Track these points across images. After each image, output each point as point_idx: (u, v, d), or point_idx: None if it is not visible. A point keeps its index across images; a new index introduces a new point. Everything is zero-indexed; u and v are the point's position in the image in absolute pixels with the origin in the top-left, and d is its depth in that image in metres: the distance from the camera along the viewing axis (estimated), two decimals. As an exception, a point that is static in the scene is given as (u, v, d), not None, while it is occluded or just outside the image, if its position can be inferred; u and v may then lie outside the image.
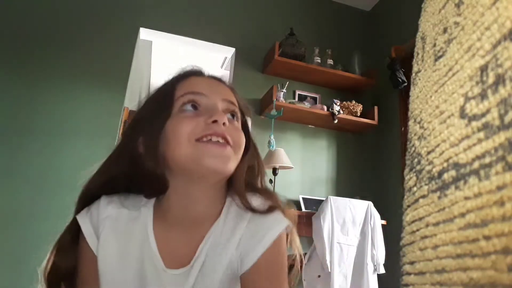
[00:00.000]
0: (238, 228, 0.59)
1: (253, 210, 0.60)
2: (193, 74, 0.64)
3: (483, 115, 0.20)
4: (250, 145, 0.65)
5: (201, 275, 0.58)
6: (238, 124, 0.61)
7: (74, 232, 0.62)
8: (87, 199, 0.64)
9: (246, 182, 0.64)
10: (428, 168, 0.26)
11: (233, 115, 0.61)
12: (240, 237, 0.58)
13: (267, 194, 0.65)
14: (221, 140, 0.55)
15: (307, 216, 2.22)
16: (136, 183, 0.63)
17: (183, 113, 0.57)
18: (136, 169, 0.60)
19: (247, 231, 0.59)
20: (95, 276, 0.59)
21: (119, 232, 0.60)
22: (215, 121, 0.55)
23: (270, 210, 0.60)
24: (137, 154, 0.60)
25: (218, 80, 0.65)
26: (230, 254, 0.58)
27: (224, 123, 0.55)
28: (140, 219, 0.61)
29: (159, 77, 4.65)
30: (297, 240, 0.63)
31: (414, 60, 0.33)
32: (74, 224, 0.62)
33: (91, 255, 0.60)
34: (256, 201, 0.62)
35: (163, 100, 0.60)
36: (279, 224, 0.59)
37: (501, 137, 0.18)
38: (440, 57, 0.27)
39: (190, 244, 0.60)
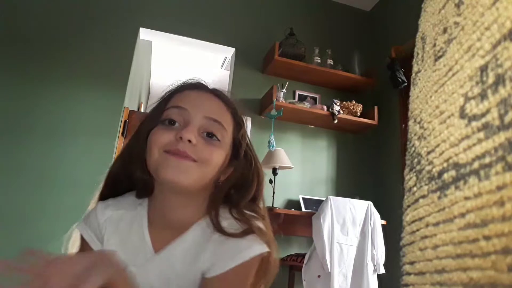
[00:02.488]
0: (205, 248, 0.61)
1: (221, 231, 0.61)
2: (189, 87, 0.66)
3: (483, 115, 0.20)
4: (240, 161, 0.66)
5: (164, 269, 0.61)
6: (215, 142, 0.62)
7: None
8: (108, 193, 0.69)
9: (234, 199, 0.65)
10: (428, 168, 0.26)
11: (210, 134, 0.61)
12: (209, 257, 0.60)
13: (251, 218, 0.64)
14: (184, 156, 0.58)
15: (307, 216, 2.22)
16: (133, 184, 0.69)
17: (162, 125, 0.62)
18: (132, 171, 0.66)
19: (216, 250, 0.60)
20: None
21: (121, 233, 0.65)
22: (180, 137, 0.58)
23: (242, 234, 0.60)
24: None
25: (214, 94, 0.66)
26: (196, 271, 0.60)
27: (190, 140, 0.58)
28: (137, 217, 0.66)
29: (159, 77, 4.64)
30: (271, 270, 0.63)
31: (414, 60, 0.33)
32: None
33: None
34: (232, 223, 0.62)
35: (156, 110, 0.66)
36: (255, 247, 0.59)
37: (501, 137, 0.18)
38: (440, 57, 0.27)
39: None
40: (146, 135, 0.63)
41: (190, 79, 0.69)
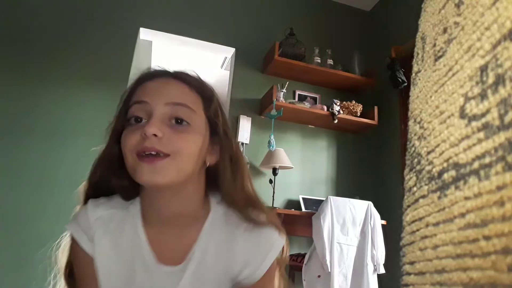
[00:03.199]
0: (237, 237, 0.63)
1: (249, 220, 0.63)
2: (147, 78, 0.63)
3: (483, 115, 0.20)
4: (221, 137, 0.64)
5: (197, 274, 0.60)
6: (185, 127, 0.59)
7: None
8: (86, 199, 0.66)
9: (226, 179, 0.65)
10: (428, 168, 0.26)
11: (178, 119, 0.58)
12: (243, 249, 0.62)
13: (259, 204, 0.66)
14: (153, 153, 0.55)
15: (307, 216, 2.22)
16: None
17: (129, 125, 0.59)
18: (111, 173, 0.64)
19: (248, 243, 0.63)
20: (93, 279, 0.61)
21: (112, 232, 0.62)
22: (145, 134, 0.55)
23: (264, 223, 0.63)
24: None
25: (174, 77, 0.63)
26: (231, 261, 0.61)
27: (155, 134, 0.55)
28: (129, 216, 0.64)
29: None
30: (287, 257, 0.68)
31: (414, 60, 0.33)
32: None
33: (87, 260, 0.62)
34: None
35: (121, 109, 0.63)
36: (279, 242, 0.64)
37: (501, 137, 0.18)
38: (440, 57, 0.27)
39: (181, 242, 0.62)
40: (116, 138, 0.61)
41: (147, 69, 0.65)
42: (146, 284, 0.59)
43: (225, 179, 0.64)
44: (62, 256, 0.67)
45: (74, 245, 0.63)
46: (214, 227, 0.63)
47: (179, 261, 0.61)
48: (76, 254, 0.63)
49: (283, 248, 0.65)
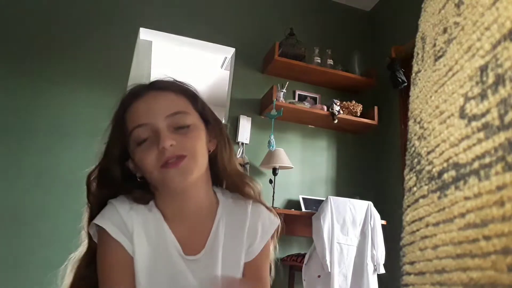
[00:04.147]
0: (246, 215, 0.71)
1: (252, 198, 0.73)
2: (133, 99, 0.67)
3: (483, 115, 0.20)
4: (213, 126, 0.71)
5: (225, 258, 0.67)
6: (188, 130, 0.65)
7: (90, 256, 0.66)
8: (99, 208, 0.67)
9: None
10: (428, 168, 0.26)
11: (180, 127, 0.65)
12: (248, 225, 0.71)
13: (249, 178, 0.76)
14: (175, 158, 0.62)
15: (307, 216, 2.22)
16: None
17: (140, 147, 0.64)
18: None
19: (253, 219, 0.72)
20: (130, 278, 0.61)
21: (147, 228, 0.65)
22: (164, 148, 0.61)
23: (260, 201, 0.75)
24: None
25: (156, 89, 0.67)
26: (243, 239, 0.70)
27: (171, 145, 0.61)
28: (151, 215, 0.67)
29: (159, 77, 4.63)
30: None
31: (414, 60, 0.33)
32: (89, 247, 0.67)
33: (124, 257, 0.62)
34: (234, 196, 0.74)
35: (115, 135, 0.68)
36: (276, 220, 0.74)
37: (501, 137, 0.18)
38: (440, 57, 0.27)
39: (201, 232, 0.68)
40: (120, 159, 0.66)
41: (128, 90, 0.69)
42: (180, 275, 0.63)
43: (225, 158, 0.71)
44: (67, 279, 0.68)
45: (107, 246, 0.62)
46: (226, 214, 0.71)
47: (199, 250, 0.66)
48: (111, 253, 0.62)
49: (278, 226, 0.74)
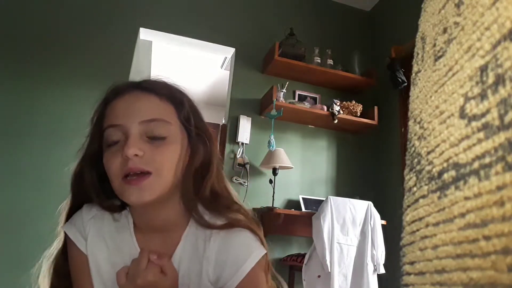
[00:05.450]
0: (211, 240, 0.62)
1: (209, 226, 0.61)
2: (115, 96, 0.62)
3: (483, 115, 0.20)
4: (193, 141, 0.63)
5: (182, 284, 0.60)
6: (163, 140, 0.59)
7: (66, 251, 0.66)
8: (71, 212, 0.68)
9: (203, 188, 0.63)
10: (428, 168, 0.26)
11: (154, 137, 0.58)
12: (215, 252, 0.61)
13: (232, 205, 0.65)
14: (138, 172, 0.56)
15: (307, 216, 2.22)
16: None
17: (109, 148, 0.59)
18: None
19: (221, 246, 0.61)
20: (89, 278, 0.62)
21: (105, 232, 0.64)
22: (126, 156, 0.56)
23: (228, 226, 0.61)
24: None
25: (141, 89, 0.62)
26: (206, 265, 0.61)
27: (136, 155, 0.56)
28: (121, 219, 0.65)
29: (159, 78, 4.63)
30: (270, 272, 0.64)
31: (414, 60, 0.33)
32: (64, 243, 0.66)
33: (82, 259, 0.63)
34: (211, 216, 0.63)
35: (92, 132, 0.64)
36: (257, 250, 0.61)
37: (501, 137, 0.18)
38: (440, 57, 0.27)
39: (166, 247, 0.63)
40: (92, 159, 0.62)
41: (111, 86, 0.64)
42: None
43: (207, 177, 0.63)
44: (43, 280, 0.67)
45: (70, 246, 0.64)
46: (193, 232, 0.63)
47: None
48: (72, 255, 0.64)
49: (265, 256, 0.62)
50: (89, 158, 0.63)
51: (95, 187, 0.63)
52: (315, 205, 2.43)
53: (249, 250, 0.60)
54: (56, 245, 0.69)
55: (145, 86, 0.62)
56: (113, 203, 0.64)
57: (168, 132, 0.59)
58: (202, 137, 0.65)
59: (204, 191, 0.63)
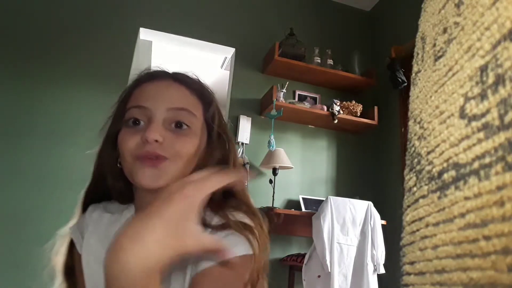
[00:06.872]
0: None
1: (204, 225, 0.56)
2: (146, 79, 0.62)
3: (483, 115, 0.20)
4: (213, 143, 0.63)
5: (173, 272, 0.56)
6: (185, 131, 0.58)
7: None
8: (85, 206, 0.68)
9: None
10: (428, 168, 0.26)
11: (179, 124, 0.58)
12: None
13: (239, 206, 0.59)
14: (153, 157, 0.55)
15: (307, 216, 2.22)
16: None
17: (127, 127, 0.59)
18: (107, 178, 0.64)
19: None
20: (81, 276, 0.63)
21: (100, 234, 0.64)
22: (146, 140, 0.55)
23: (222, 227, 0.55)
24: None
25: (174, 79, 0.62)
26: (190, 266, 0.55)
27: (156, 140, 0.55)
28: (121, 221, 0.64)
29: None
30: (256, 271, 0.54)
31: (414, 60, 0.33)
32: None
33: (79, 257, 0.64)
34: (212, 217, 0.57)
35: (119, 109, 0.63)
36: (239, 247, 0.53)
37: (501, 137, 0.18)
38: (440, 57, 0.27)
39: None
40: (113, 138, 0.61)
41: (146, 70, 0.64)
42: None
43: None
44: (55, 257, 0.67)
45: (71, 246, 0.66)
46: None
47: None
48: (74, 251, 0.66)
49: (251, 258, 0.53)
50: (112, 138, 0.62)
51: (112, 167, 0.62)
52: (315, 205, 2.43)
53: (235, 242, 0.53)
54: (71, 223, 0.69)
55: (178, 77, 0.63)
56: (125, 189, 0.63)
57: (191, 124, 0.59)
58: (222, 139, 0.65)
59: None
